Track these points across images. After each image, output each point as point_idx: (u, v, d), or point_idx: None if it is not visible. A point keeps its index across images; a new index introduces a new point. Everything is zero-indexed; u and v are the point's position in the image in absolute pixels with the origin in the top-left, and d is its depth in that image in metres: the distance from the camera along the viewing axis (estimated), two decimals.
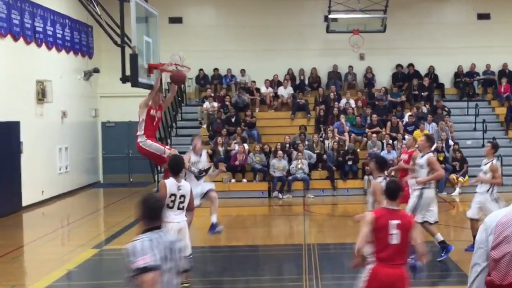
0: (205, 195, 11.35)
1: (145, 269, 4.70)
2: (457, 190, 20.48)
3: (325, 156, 21.38)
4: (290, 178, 20.52)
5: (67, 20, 21.96)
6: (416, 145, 12.35)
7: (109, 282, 10.82)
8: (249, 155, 21.12)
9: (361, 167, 21.07)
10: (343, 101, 23.78)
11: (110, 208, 19.21)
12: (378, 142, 21.76)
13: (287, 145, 21.46)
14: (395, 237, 6.43)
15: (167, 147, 10.86)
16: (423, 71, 25.18)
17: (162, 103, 10.88)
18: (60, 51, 21.47)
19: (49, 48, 20.66)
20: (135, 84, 10.77)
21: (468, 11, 25.46)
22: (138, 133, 10.40)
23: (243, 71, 25.07)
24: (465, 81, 25.02)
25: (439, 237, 11.38)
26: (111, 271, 11.73)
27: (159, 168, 18.98)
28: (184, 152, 11.88)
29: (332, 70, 25.41)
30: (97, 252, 12.93)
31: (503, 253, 3.39)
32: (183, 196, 9.07)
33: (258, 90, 24.58)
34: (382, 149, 21.38)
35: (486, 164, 11.95)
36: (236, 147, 21.23)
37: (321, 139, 22.03)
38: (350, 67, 25.32)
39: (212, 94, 24.07)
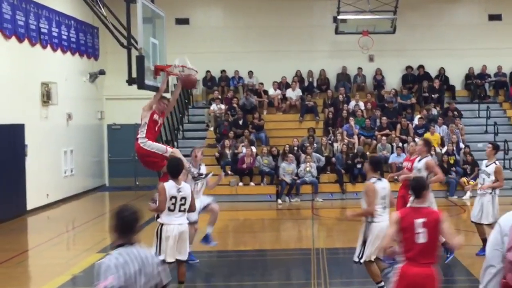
0: (205, 209, 11.42)
1: None
2: (468, 194, 20.20)
3: (334, 159, 21.24)
4: (298, 181, 20.37)
5: (72, 22, 21.89)
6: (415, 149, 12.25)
7: None
8: (256, 158, 20.96)
9: None
10: (352, 103, 23.63)
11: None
12: (388, 145, 21.66)
13: (295, 148, 21.30)
14: (421, 236, 6.37)
15: (169, 146, 10.64)
16: (433, 73, 25.02)
17: (165, 110, 10.75)
18: (65, 52, 21.41)
19: (54, 50, 20.59)
20: (141, 86, 10.67)
21: (479, 12, 25.31)
22: (139, 135, 10.24)
23: (250, 73, 25.00)
24: (476, 83, 24.84)
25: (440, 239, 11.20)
26: None
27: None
28: (189, 155, 11.82)
29: (341, 72, 25.30)
30: (102, 257, 12.70)
31: None
32: (184, 198, 9.04)
33: (266, 92, 24.48)
34: (392, 152, 21.27)
35: (488, 166, 11.86)
36: (244, 150, 21.10)
37: (330, 142, 21.89)
38: (359, 68, 25.18)
39: (220, 96, 23.96)
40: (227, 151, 21.33)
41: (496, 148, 12.17)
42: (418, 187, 6.66)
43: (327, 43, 25.17)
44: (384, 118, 22.62)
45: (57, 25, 20.64)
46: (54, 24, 20.46)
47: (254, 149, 21.32)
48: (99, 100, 24.87)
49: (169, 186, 8.98)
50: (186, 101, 24.37)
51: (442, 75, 24.93)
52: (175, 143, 21.85)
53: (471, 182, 20.33)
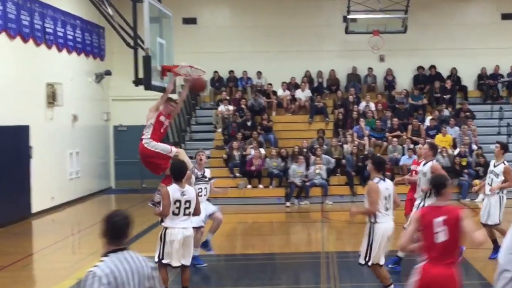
0: (210, 216, 11.52)
1: None
2: (481, 196, 19.84)
3: (344, 161, 21.08)
4: (308, 184, 20.20)
5: (78, 21, 21.82)
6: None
7: None
8: (265, 160, 20.81)
9: None
10: (363, 104, 23.51)
11: None
12: (399, 147, 21.52)
13: (305, 150, 21.16)
14: (441, 234, 6.30)
15: (173, 147, 10.45)
16: (445, 73, 24.86)
17: (172, 113, 10.62)
18: (71, 53, 21.34)
19: (60, 50, 20.51)
20: (148, 87, 10.64)
21: (492, 11, 25.13)
22: (144, 136, 10.10)
23: (259, 73, 24.92)
24: (488, 84, 24.67)
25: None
26: None
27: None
28: (195, 157, 11.77)
29: (351, 72, 25.21)
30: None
31: None
32: (188, 201, 8.98)
33: (274, 92, 24.39)
34: (403, 154, 21.12)
35: (496, 166, 11.81)
36: (252, 151, 20.99)
37: (340, 143, 21.73)
38: (370, 69, 25.08)
39: (227, 97, 23.84)
40: (235, 153, 21.20)
41: (504, 147, 12.13)
42: (438, 184, 6.62)
43: (337, 43, 25.03)
44: (395, 119, 22.53)
45: (62, 24, 20.57)
46: (60, 24, 20.38)
47: (262, 151, 21.22)
48: (105, 101, 24.78)
49: (173, 190, 8.92)
50: (194, 102, 24.28)
51: (454, 75, 24.80)
52: (182, 145, 21.67)
53: (477, 182, 20.05)
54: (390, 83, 24.83)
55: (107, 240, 4.79)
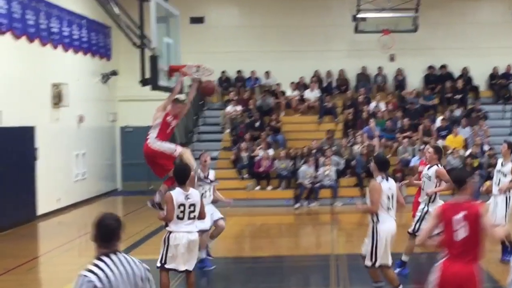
0: (213, 223, 11.49)
1: None
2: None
3: (353, 162, 20.93)
4: (317, 185, 20.05)
5: (84, 21, 21.72)
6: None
7: None
8: (274, 161, 20.70)
9: (392, 173, 20.30)
10: (373, 104, 23.35)
11: (129, 217, 18.97)
12: (409, 147, 21.28)
13: (314, 151, 21.04)
14: (461, 231, 6.27)
15: (178, 146, 10.27)
16: (456, 72, 24.66)
17: (180, 113, 10.50)
18: (77, 53, 21.25)
19: (66, 50, 20.41)
20: (155, 87, 10.65)
21: (504, 9, 24.90)
22: (150, 135, 10.00)
23: (267, 73, 24.76)
24: (500, 83, 24.46)
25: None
26: None
27: None
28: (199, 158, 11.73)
29: (361, 72, 25.02)
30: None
31: None
32: (193, 205, 8.87)
33: (283, 93, 24.29)
34: (414, 155, 20.82)
35: (504, 165, 11.72)
36: (261, 153, 20.89)
37: (350, 144, 21.58)
38: (380, 68, 24.91)
39: (235, 97, 23.74)
40: (244, 154, 21.12)
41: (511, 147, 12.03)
42: (459, 179, 6.57)
43: (346, 42, 24.87)
44: (405, 119, 22.40)
45: (68, 24, 20.48)
46: (65, 24, 20.29)
47: (271, 152, 21.10)
48: (112, 101, 24.69)
49: (176, 194, 8.81)
50: (201, 102, 24.16)
51: (465, 75, 24.62)
52: (190, 146, 21.53)
53: (488, 183, 19.77)
54: (400, 83, 24.71)
55: (98, 243, 4.83)
